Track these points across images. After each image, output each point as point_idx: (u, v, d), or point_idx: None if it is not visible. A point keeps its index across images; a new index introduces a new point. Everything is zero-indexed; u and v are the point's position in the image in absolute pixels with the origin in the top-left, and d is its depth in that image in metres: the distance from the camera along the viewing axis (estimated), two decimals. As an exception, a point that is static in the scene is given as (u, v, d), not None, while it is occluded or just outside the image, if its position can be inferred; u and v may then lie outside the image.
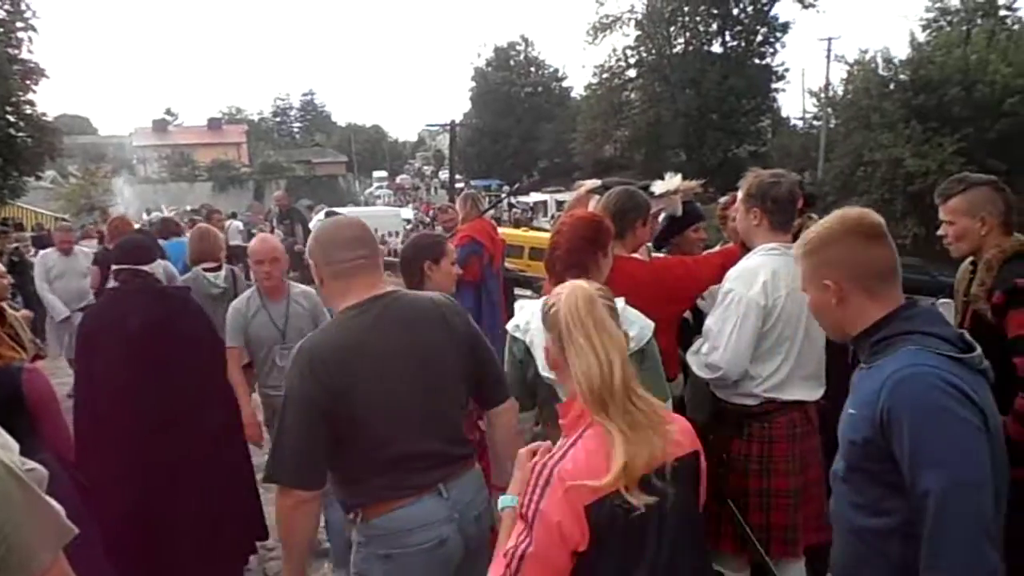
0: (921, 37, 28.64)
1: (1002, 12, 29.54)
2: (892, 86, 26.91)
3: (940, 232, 2.59)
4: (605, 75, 40.97)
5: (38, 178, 26.76)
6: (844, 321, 1.66)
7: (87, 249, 7.46)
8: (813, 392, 2.60)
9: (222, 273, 4.56)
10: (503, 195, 33.08)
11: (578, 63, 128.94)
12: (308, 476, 1.91)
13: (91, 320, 3.46)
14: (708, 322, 2.66)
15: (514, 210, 34.45)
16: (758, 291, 2.47)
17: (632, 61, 40.87)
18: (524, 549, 1.45)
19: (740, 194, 2.72)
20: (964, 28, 28.40)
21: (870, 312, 1.63)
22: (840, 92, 30.44)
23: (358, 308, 1.98)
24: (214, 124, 61.91)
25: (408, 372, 1.97)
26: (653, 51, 40.06)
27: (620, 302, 2.29)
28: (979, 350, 1.55)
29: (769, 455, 2.56)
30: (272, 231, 11.10)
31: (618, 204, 2.73)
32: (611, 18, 40.15)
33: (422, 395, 1.99)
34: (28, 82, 23.10)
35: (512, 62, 53.84)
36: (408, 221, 32.79)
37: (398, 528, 1.95)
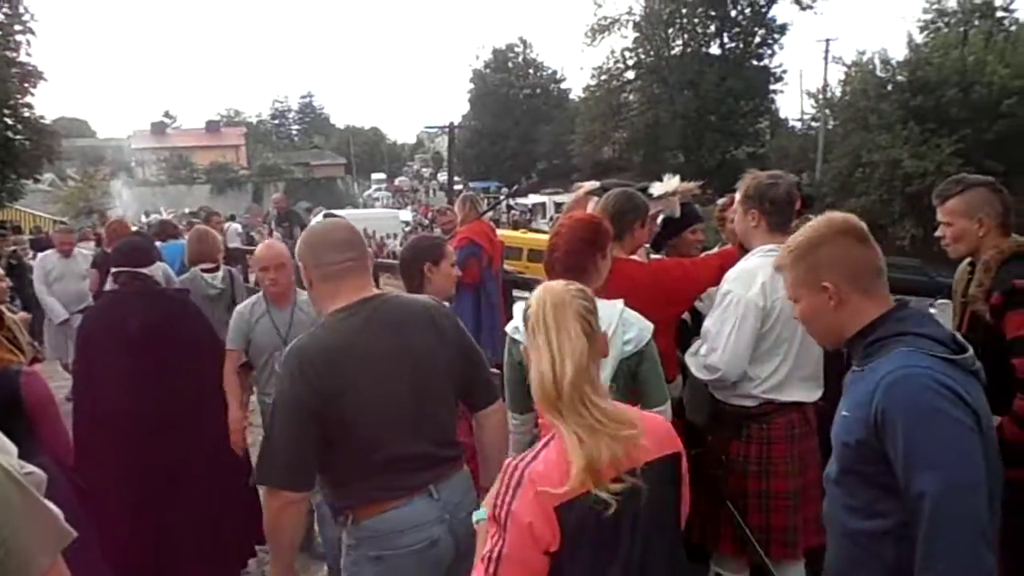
0: (919, 38, 28.71)
1: (999, 13, 29.65)
2: (890, 87, 26.98)
3: (938, 233, 2.59)
4: (603, 77, 41.00)
5: (36, 181, 26.72)
6: (841, 323, 1.65)
7: (86, 251, 7.46)
8: (812, 393, 2.60)
9: (220, 274, 4.59)
10: (502, 197, 33.10)
11: (576, 65, 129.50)
12: (297, 478, 1.92)
13: (90, 322, 3.46)
14: (706, 323, 2.66)
15: (513, 212, 34.48)
16: (756, 292, 2.48)
17: (630, 63, 40.91)
18: (499, 551, 1.47)
19: (738, 195, 2.72)
20: (962, 29, 28.46)
21: (867, 312, 1.63)
22: (838, 93, 30.50)
23: (347, 310, 1.99)
24: (212, 126, 61.88)
25: (398, 374, 1.98)
26: (651, 53, 40.09)
27: (619, 304, 2.30)
28: (971, 351, 1.55)
29: (768, 456, 2.56)
30: (271, 233, 11.11)
31: (616, 206, 2.73)
32: (609, 20, 40.23)
33: (412, 397, 2.00)
34: (26, 85, 23.06)
35: (510, 64, 53.86)
36: (407, 223, 32.80)
37: (389, 529, 1.96)
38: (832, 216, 1.72)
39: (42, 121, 24.26)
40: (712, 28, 39.51)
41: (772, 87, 40.16)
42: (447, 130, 38.34)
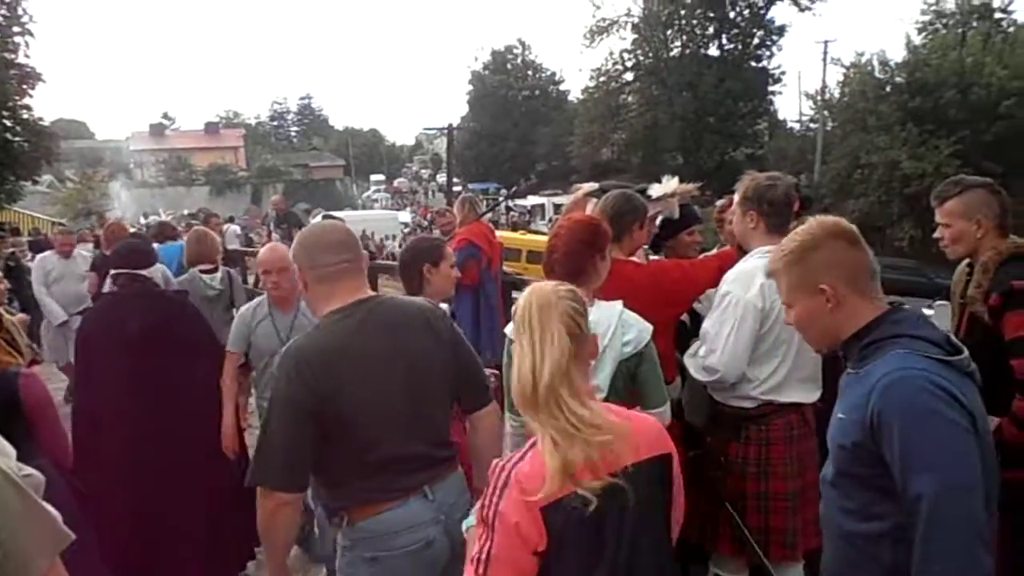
0: (917, 40, 28.77)
1: (998, 15, 29.71)
2: (888, 89, 27.04)
3: (936, 234, 2.59)
4: (602, 78, 41.01)
5: (35, 182, 26.69)
6: (837, 326, 1.65)
7: (86, 253, 7.45)
8: (810, 394, 2.60)
9: (218, 275, 4.61)
10: (501, 198, 33.13)
11: (575, 67, 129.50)
12: (291, 478, 1.93)
13: (89, 324, 3.47)
14: (705, 325, 2.66)
15: (511, 213, 34.51)
16: (755, 294, 2.48)
17: (629, 64, 40.92)
18: (488, 551, 1.48)
19: (736, 197, 2.72)
20: (960, 31, 28.52)
21: (863, 314, 1.63)
22: (836, 95, 30.59)
23: (342, 312, 2.00)
24: (211, 128, 61.80)
25: (393, 375, 1.99)
26: (650, 54, 40.12)
27: (618, 305, 2.30)
28: (966, 353, 1.56)
29: (767, 458, 2.57)
30: (269, 235, 11.09)
31: (615, 207, 2.73)
32: (608, 21, 40.24)
33: (407, 398, 2.00)
34: (25, 86, 23.03)
35: (509, 65, 53.89)
36: (406, 224, 32.83)
37: (384, 530, 1.96)
38: (823, 219, 1.72)
39: (40, 123, 24.25)
40: (711, 30, 39.55)
41: (771, 88, 40.20)
42: (446, 132, 38.31)
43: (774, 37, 39.43)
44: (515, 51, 54.46)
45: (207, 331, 3.61)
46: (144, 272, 3.45)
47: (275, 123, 78.06)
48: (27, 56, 22.94)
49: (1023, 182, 19.14)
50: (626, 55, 40.64)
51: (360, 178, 62.75)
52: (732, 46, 39.67)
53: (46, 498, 1.31)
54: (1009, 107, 24.08)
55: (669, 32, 39.74)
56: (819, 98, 31.78)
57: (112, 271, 3.59)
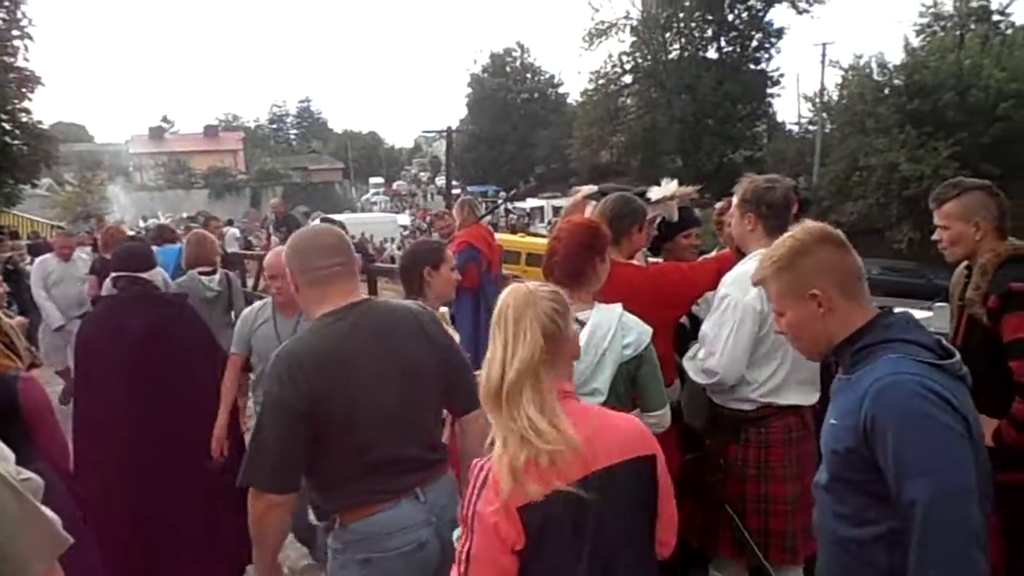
0: (915, 42, 28.86)
1: (995, 17, 29.81)
2: (887, 91, 27.10)
3: (935, 237, 2.59)
4: (601, 81, 41.08)
5: (34, 186, 26.70)
6: (829, 331, 1.65)
7: (85, 256, 7.45)
8: (809, 396, 2.60)
9: (217, 277, 4.64)
10: (500, 201, 33.12)
11: (574, 69, 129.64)
12: (282, 480, 1.93)
13: (89, 327, 3.47)
14: (704, 327, 2.66)
15: (510, 216, 34.51)
16: (754, 296, 2.48)
17: (628, 67, 40.98)
18: (467, 551, 1.50)
19: (735, 199, 2.73)
20: (958, 33, 28.60)
21: (854, 318, 1.62)
22: (835, 97, 30.63)
23: (335, 315, 2.01)
24: (210, 131, 61.84)
25: (386, 378, 2.00)
26: (649, 57, 40.19)
27: (618, 308, 2.31)
28: (958, 356, 1.55)
29: (766, 460, 2.57)
30: (268, 238, 11.08)
31: (614, 210, 2.73)
32: (607, 24, 40.31)
33: (400, 401, 2.01)
34: (24, 90, 23.06)
35: (508, 68, 53.96)
36: (405, 227, 32.84)
37: (377, 532, 1.97)
38: (808, 225, 1.72)
39: (40, 126, 24.27)
40: (709, 32, 39.61)
41: (769, 91, 40.24)
42: (445, 134, 38.30)
43: (772, 39, 39.51)
44: (514, 54, 54.57)
45: (206, 333, 3.61)
46: (144, 275, 3.46)
47: (274, 126, 78.13)
48: (26, 60, 22.98)
49: (1021, 184, 19.19)
50: (625, 58, 40.73)
51: (359, 181, 62.77)
52: (731, 49, 39.75)
53: (45, 502, 1.31)
54: (1007, 109, 24.14)
55: (668, 35, 39.82)
56: (817, 100, 31.82)
57: (112, 274, 3.60)
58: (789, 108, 57.67)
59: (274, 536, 2.02)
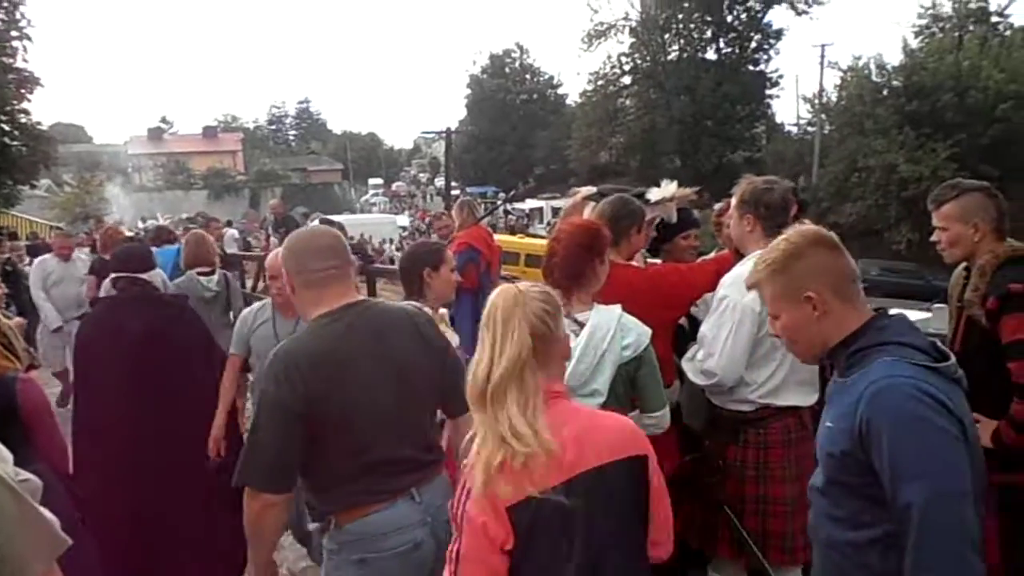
0: (914, 44, 28.88)
1: (994, 19, 29.86)
2: (885, 92, 27.11)
3: (933, 238, 2.59)
4: (600, 82, 41.11)
5: (33, 187, 26.71)
6: (824, 334, 1.64)
7: (84, 256, 7.45)
8: (808, 397, 2.60)
9: (215, 277, 4.67)
10: (499, 202, 33.14)
11: (573, 70, 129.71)
12: (277, 480, 1.94)
13: (88, 328, 3.47)
14: (703, 328, 2.66)
15: (510, 217, 34.52)
16: (753, 297, 2.47)
17: (627, 68, 41.02)
18: (457, 550, 1.51)
19: (733, 201, 2.73)
20: (956, 34, 28.64)
21: (849, 321, 1.62)
22: (834, 98, 30.65)
23: (331, 316, 2.01)
24: (209, 132, 61.85)
25: (381, 379, 2.01)
26: (648, 58, 40.22)
27: (617, 309, 2.31)
28: (953, 359, 1.55)
29: (765, 461, 2.57)
30: (267, 239, 11.08)
31: (612, 211, 2.74)
32: (606, 25, 40.34)
33: (395, 402, 2.02)
34: (23, 91, 23.07)
35: (507, 69, 54.00)
36: (404, 228, 32.86)
37: (373, 532, 1.98)
38: (802, 228, 1.72)
39: (39, 127, 24.28)
40: (708, 33, 39.65)
41: (768, 92, 40.29)
42: (444, 135, 38.31)
43: (771, 41, 39.57)
44: (513, 55, 54.61)
45: (205, 334, 3.61)
46: (144, 276, 3.46)
47: (273, 127, 78.10)
48: (25, 60, 23.01)
49: (1020, 185, 19.21)
50: (624, 59, 40.76)
51: (358, 182, 62.78)
52: (730, 50, 39.79)
53: (43, 503, 1.31)
54: (1006, 110, 24.16)
55: (667, 36, 39.86)
56: (816, 102, 31.84)
57: (112, 275, 3.60)
58: (788, 109, 58.01)
59: (270, 535, 2.03)
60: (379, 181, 63.15)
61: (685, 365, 2.71)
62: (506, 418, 1.48)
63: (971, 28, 28.97)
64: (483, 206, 7.77)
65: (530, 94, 53.79)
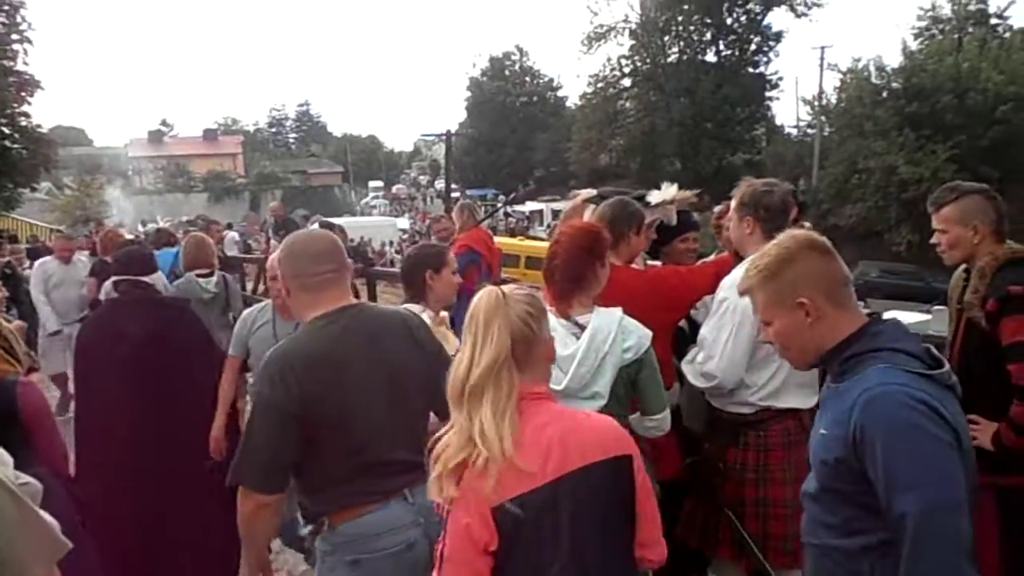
0: (913, 45, 28.92)
1: (993, 20, 29.88)
2: (885, 94, 27.14)
3: (933, 240, 2.59)
4: (600, 84, 41.16)
5: (33, 190, 26.76)
6: (818, 340, 1.63)
7: (85, 258, 7.45)
8: (807, 400, 2.60)
9: (214, 279, 4.71)
10: (499, 204, 33.16)
11: (573, 73, 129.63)
12: (271, 481, 1.96)
13: (89, 331, 3.47)
14: (703, 331, 2.66)
15: (510, 219, 34.53)
16: (753, 300, 2.48)
17: (627, 70, 41.09)
18: (442, 551, 1.52)
19: (733, 203, 2.73)
20: (956, 36, 28.67)
21: (842, 326, 1.61)
22: (834, 100, 30.68)
23: (326, 318, 2.03)
24: (210, 135, 61.84)
25: (375, 381, 2.02)
26: (647, 60, 40.28)
27: (618, 311, 2.31)
28: (947, 366, 1.54)
29: (765, 464, 2.57)
30: (268, 241, 11.08)
31: (612, 214, 2.74)
32: (605, 28, 40.43)
33: (388, 404, 2.03)
34: (23, 94, 23.14)
35: (507, 72, 54.04)
36: (404, 231, 32.87)
37: (367, 533, 1.99)
38: (794, 233, 1.71)
39: (39, 130, 24.35)
40: (708, 36, 39.71)
41: (768, 94, 40.36)
42: (444, 138, 38.34)
43: (771, 43, 39.65)
44: (513, 57, 54.64)
45: (206, 336, 3.62)
46: (146, 279, 3.47)
47: (273, 130, 78.13)
48: (25, 63, 23.10)
49: (1020, 187, 19.24)
50: (624, 61, 40.83)
51: (358, 184, 62.79)
52: (729, 52, 39.85)
53: (43, 506, 1.31)
54: (1005, 112, 24.18)
55: (667, 38, 39.92)
56: (816, 103, 31.87)
57: (113, 278, 3.60)
58: (788, 111, 57.86)
59: (262, 535, 2.07)
60: (379, 184, 63.17)
61: (685, 367, 2.71)
62: (479, 420, 1.50)
63: (970, 30, 29.00)
64: (483, 208, 7.79)
65: (530, 96, 53.84)
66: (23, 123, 23.42)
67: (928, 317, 8.29)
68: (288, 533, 3.57)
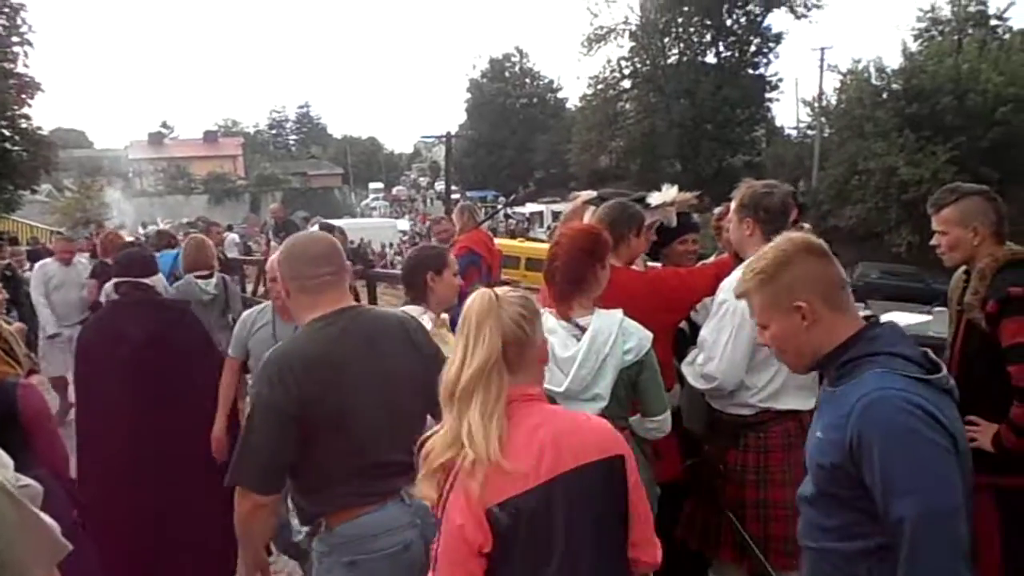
0: (913, 47, 28.94)
1: (993, 22, 29.90)
2: (885, 95, 27.16)
3: (933, 242, 2.59)
4: (600, 86, 41.17)
5: (33, 192, 26.77)
6: (815, 343, 1.62)
7: (85, 260, 7.45)
8: (807, 401, 2.60)
9: (213, 280, 4.73)
10: (499, 206, 33.15)
11: (573, 74, 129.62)
12: (268, 481, 1.97)
13: (90, 332, 3.48)
14: (703, 332, 2.66)
15: (510, 221, 34.53)
16: (753, 301, 2.48)
17: (626, 72, 41.09)
18: (436, 551, 1.53)
19: (733, 205, 2.73)
20: (956, 38, 28.69)
21: (839, 329, 1.60)
22: (833, 102, 30.68)
23: (325, 320, 2.04)
24: (210, 137, 61.88)
25: (374, 383, 2.03)
26: (647, 62, 40.29)
27: (618, 313, 2.31)
28: (944, 370, 1.54)
29: (765, 465, 2.56)
30: (268, 243, 11.09)
31: (611, 216, 2.74)
32: (605, 29, 40.43)
33: (387, 405, 2.04)
34: (24, 96, 23.15)
35: (507, 73, 54.06)
36: (404, 233, 32.87)
37: (364, 534, 2.00)
38: (791, 236, 1.71)
39: (39, 132, 24.36)
40: (708, 37, 39.74)
41: (768, 96, 40.35)
42: (444, 140, 38.38)
43: (771, 44, 39.67)
44: (513, 59, 54.66)
45: (206, 338, 3.62)
46: (146, 281, 3.47)
47: (273, 131, 78.12)
48: (26, 66, 23.11)
49: (1020, 188, 19.25)
50: (624, 63, 40.84)
51: (358, 186, 62.78)
52: (729, 53, 39.86)
53: (43, 508, 1.31)
54: (1005, 113, 24.19)
55: (666, 40, 39.94)
56: (816, 105, 31.87)
57: (114, 279, 3.61)
58: (788, 113, 57.98)
59: (260, 535, 2.08)
60: (379, 185, 63.14)
61: (685, 369, 2.71)
62: (467, 421, 1.50)
63: (970, 31, 29.03)
64: (483, 210, 7.79)
65: (530, 98, 53.86)
66: (23, 125, 23.43)
67: (928, 318, 8.28)
68: (282, 539, 3.58)
